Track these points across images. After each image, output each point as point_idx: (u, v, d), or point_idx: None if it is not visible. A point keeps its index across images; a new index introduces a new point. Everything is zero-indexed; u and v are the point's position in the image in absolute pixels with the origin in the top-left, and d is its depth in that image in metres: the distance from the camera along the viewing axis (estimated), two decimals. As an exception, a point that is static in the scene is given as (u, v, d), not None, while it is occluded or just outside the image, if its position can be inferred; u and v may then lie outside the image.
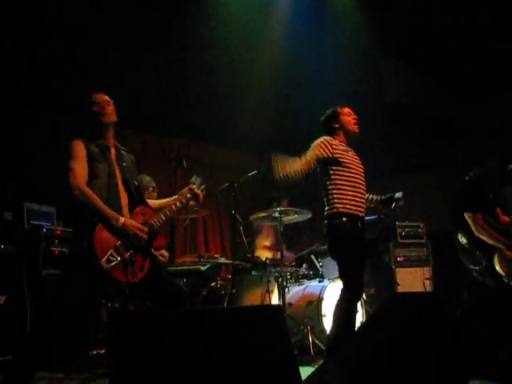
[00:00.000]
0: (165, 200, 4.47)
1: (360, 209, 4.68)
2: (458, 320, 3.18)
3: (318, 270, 6.91)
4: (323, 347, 5.65)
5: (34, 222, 5.70)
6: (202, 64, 7.24)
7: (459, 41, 7.32)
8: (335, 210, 4.62)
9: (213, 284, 6.38)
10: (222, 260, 6.62)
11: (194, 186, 4.45)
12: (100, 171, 3.94)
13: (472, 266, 5.82)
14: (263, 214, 6.11)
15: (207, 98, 7.74)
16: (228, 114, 7.99)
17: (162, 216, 4.11)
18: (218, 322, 2.56)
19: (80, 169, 3.86)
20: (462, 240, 5.80)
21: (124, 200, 4.01)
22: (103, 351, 5.27)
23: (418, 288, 7.39)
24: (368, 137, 8.58)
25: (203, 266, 6.24)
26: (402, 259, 7.76)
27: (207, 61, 7.23)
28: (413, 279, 7.61)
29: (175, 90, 7.54)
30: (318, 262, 6.98)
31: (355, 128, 4.95)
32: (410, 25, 7.27)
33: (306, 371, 3.26)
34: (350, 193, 4.66)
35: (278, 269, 6.05)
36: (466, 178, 5.96)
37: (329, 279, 6.14)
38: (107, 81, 6.76)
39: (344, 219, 4.58)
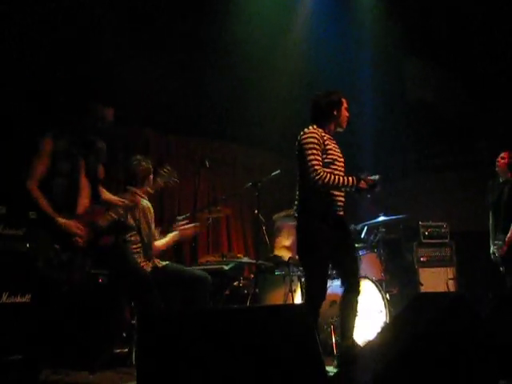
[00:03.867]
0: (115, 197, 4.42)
1: (339, 207, 4.42)
2: (484, 320, 3.16)
3: (341, 270, 6.88)
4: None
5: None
6: (225, 64, 7.25)
7: (483, 39, 7.25)
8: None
9: (236, 283, 6.38)
10: (245, 259, 6.62)
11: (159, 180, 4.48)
12: (63, 168, 3.98)
13: None
14: (285, 214, 6.10)
15: (230, 98, 7.74)
16: (250, 114, 7.99)
17: (111, 214, 4.17)
18: (245, 321, 2.56)
19: (37, 167, 3.91)
20: None
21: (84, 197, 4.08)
22: (127, 350, 5.30)
23: (442, 288, 7.36)
24: (391, 135, 8.60)
25: (226, 265, 6.24)
26: (425, 259, 7.73)
27: (230, 60, 7.23)
28: (436, 279, 7.58)
29: (198, 90, 7.55)
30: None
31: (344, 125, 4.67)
32: (432, 23, 7.23)
33: (330, 371, 3.26)
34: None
35: (301, 268, 6.03)
36: None
37: (352, 279, 6.11)
38: (130, 81, 6.80)
39: (318, 221, 4.33)
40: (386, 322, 5.80)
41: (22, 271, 5.05)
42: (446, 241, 7.81)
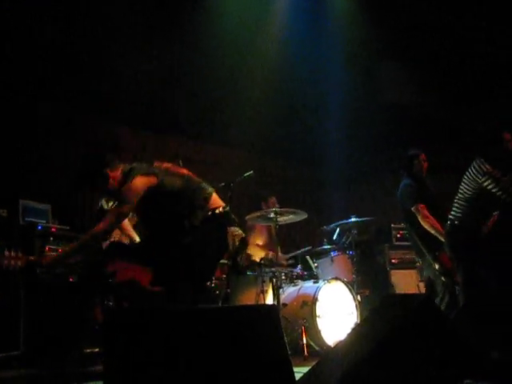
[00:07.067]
0: None
1: None
2: (451, 321, 3.19)
3: (313, 271, 6.91)
4: (317, 348, 5.67)
5: (29, 219, 5.69)
6: (200, 63, 7.23)
7: (458, 41, 7.31)
8: None
9: (208, 283, 6.37)
10: (217, 260, 6.60)
11: None
12: None
13: (417, 258, 6.26)
14: (258, 214, 6.11)
15: (204, 97, 7.74)
16: (224, 113, 8.00)
17: None
18: (213, 320, 2.56)
19: None
20: (410, 232, 5.92)
21: None
22: (97, 349, 5.27)
23: (413, 290, 7.41)
24: (363, 137, 8.65)
25: (198, 265, 6.21)
26: (396, 261, 7.79)
27: (205, 60, 7.22)
28: (407, 281, 7.63)
29: (172, 88, 7.53)
30: (314, 263, 6.99)
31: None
32: (408, 25, 7.27)
33: (299, 372, 3.27)
34: None
35: (273, 269, 6.05)
36: (403, 173, 6.04)
37: (324, 280, 6.14)
38: (106, 78, 6.77)
39: None
40: (356, 323, 5.83)
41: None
42: (418, 243, 7.87)
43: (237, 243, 5.02)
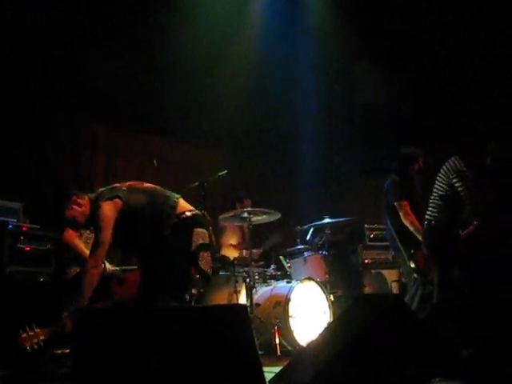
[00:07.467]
0: None
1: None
2: (421, 321, 3.22)
3: (286, 271, 6.92)
4: (290, 348, 5.67)
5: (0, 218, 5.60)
6: (175, 62, 7.21)
7: (432, 42, 7.35)
8: None
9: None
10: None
11: None
12: None
13: (393, 252, 6.45)
14: (232, 214, 6.10)
15: (178, 97, 7.70)
16: (198, 113, 7.97)
17: None
18: (183, 320, 2.54)
19: None
20: (389, 229, 6.00)
21: None
22: (68, 350, 5.20)
23: (386, 290, 7.44)
24: (337, 138, 8.67)
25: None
26: (369, 261, 7.81)
27: (180, 60, 7.19)
28: (380, 281, 7.66)
29: (147, 87, 7.50)
30: (287, 263, 6.99)
31: None
32: (383, 26, 7.30)
33: (272, 372, 3.27)
34: None
35: (246, 269, 6.04)
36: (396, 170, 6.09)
37: (297, 280, 6.15)
38: (82, 77, 6.70)
39: None
40: (329, 323, 5.84)
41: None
42: (391, 243, 7.91)
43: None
